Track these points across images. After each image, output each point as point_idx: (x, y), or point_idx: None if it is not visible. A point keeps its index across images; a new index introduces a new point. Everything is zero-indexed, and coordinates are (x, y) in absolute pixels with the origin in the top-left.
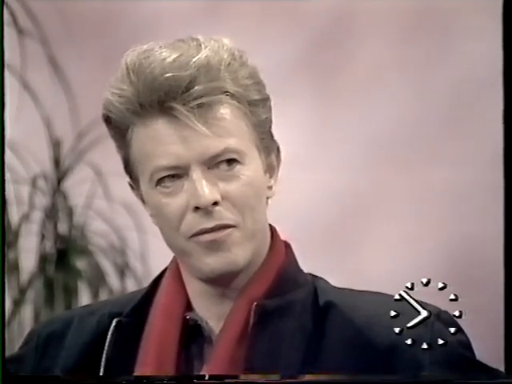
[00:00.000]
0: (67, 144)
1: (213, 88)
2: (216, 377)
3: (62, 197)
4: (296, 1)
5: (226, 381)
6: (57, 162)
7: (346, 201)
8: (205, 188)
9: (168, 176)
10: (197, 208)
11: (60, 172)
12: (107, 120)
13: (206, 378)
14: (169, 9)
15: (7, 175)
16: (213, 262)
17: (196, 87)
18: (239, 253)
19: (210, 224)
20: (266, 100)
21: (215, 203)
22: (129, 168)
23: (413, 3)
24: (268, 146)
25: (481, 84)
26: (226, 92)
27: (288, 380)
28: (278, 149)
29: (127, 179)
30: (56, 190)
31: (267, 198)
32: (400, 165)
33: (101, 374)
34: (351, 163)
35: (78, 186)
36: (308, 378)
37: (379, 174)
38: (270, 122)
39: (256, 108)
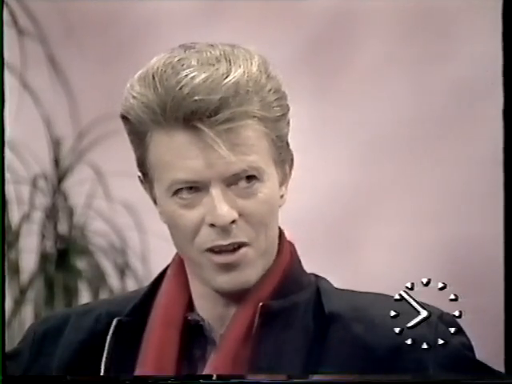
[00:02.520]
0: (67, 144)
1: (241, 113)
2: (222, 377)
3: (62, 197)
4: (296, 1)
5: (232, 381)
6: (57, 162)
7: (346, 200)
8: (223, 207)
9: (186, 188)
10: (213, 225)
11: (60, 172)
12: (125, 119)
13: (214, 378)
14: (169, 9)
15: (7, 175)
16: (224, 282)
17: (224, 112)
18: (251, 272)
19: (225, 242)
20: (286, 113)
21: (232, 221)
22: (143, 169)
23: (413, 3)
24: (284, 159)
25: (481, 84)
26: (254, 116)
27: (293, 380)
28: (291, 157)
29: (136, 177)
30: (56, 190)
31: (279, 206)
32: (400, 165)
33: (101, 373)
34: (351, 163)
35: (78, 186)
36: (312, 378)
37: (379, 174)
38: (288, 131)
39: (277, 124)
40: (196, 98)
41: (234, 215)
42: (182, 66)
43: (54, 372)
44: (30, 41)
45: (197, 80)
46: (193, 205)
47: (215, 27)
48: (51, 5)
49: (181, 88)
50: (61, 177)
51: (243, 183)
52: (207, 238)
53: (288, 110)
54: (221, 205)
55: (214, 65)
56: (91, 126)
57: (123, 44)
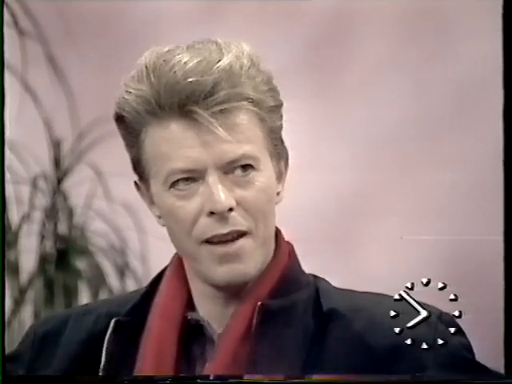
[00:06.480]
0: (67, 144)
1: (235, 94)
2: (220, 377)
3: (62, 197)
4: (296, 1)
5: (230, 381)
6: (57, 162)
7: (346, 201)
8: (221, 193)
9: (183, 179)
10: (212, 213)
11: (60, 172)
12: (119, 119)
13: (211, 378)
14: (169, 9)
15: (7, 175)
16: (224, 273)
17: (219, 93)
18: (251, 263)
19: (224, 230)
20: (280, 106)
21: (230, 209)
22: (139, 168)
23: (413, 3)
24: (279, 153)
25: (481, 84)
26: (248, 98)
27: (291, 380)
28: (287, 155)
29: (134, 178)
30: (56, 190)
31: (276, 203)
32: (400, 165)
33: (100, 373)
34: (351, 163)
35: (78, 186)
36: (310, 378)
37: (379, 174)
38: (282, 127)
39: (272, 114)
40: (190, 79)
41: (232, 202)
42: (174, 55)
43: (54, 372)
44: (31, 41)
45: (190, 64)
46: (190, 195)
47: (215, 27)
48: (52, 5)
49: (174, 72)
50: (61, 177)
51: (239, 172)
52: (206, 227)
53: (281, 104)
54: (218, 191)
55: (206, 52)
56: (91, 126)
57: (123, 44)
